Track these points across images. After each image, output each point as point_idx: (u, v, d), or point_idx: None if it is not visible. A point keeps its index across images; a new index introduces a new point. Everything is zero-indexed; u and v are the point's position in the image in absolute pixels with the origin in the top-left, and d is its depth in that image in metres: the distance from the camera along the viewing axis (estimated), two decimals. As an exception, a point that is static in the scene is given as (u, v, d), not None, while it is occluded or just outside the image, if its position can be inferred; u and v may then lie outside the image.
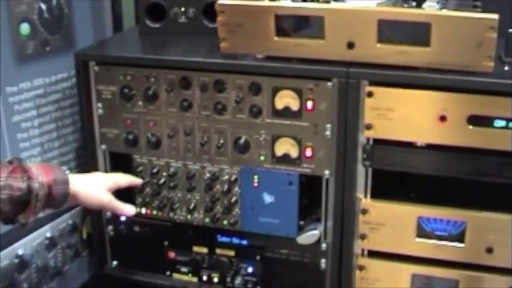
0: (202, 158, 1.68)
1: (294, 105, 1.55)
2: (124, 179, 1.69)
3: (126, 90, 1.66)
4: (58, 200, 1.47)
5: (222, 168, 1.68)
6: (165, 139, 1.69)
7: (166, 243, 1.80)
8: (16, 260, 1.73)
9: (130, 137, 1.70)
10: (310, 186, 1.66)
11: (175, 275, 1.83)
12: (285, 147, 1.60)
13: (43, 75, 1.74)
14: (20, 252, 1.73)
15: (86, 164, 1.80)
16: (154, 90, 1.64)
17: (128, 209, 1.63)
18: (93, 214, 1.84)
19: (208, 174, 1.69)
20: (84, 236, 1.92)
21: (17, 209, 1.42)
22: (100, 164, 1.77)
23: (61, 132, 1.81)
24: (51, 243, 1.82)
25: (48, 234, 1.81)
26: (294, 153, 1.59)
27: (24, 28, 1.68)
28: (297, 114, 1.56)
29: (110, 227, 1.84)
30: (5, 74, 1.65)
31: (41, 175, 1.43)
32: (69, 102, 1.82)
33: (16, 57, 1.68)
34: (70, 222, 1.86)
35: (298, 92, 1.54)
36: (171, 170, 1.72)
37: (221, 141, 1.63)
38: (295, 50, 1.52)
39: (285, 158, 1.60)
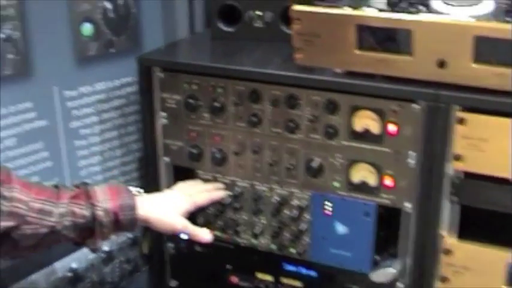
0: (270, 179, 1.58)
1: (375, 128, 1.42)
2: (203, 198, 1.60)
3: (191, 101, 1.58)
4: (126, 225, 1.42)
5: (292, 191, 1.56)
6: (231, 156, 1.59)
7: (229, 266, 1.71)
8: (70, 274, 1.69)
9: (195, 150, 1.62)
10: (388, 218, 1.53)
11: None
12: (363, 173, 1.47)
13: (106, 79, 1.69)
14: (75, 265, 1.70)
15: (147, 175, 1.72)
16: (222, 102, 1.55)
17: (204, 235, 1.54)
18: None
19: (276, 197, 1.58)
20: (145, 250, 1.86)
21: (83, 235, 1.39)
22: (162, 177, 1.70)
23: (124, 141, 1.76)
24: (109, 257, 1.78)
25: (106, 248, 1.76)
26: (372, 181, 1.46)
27: (87, 28, 1.62)
28: (377, 138, 1.42)
29: (171, 245, 1.76)
30: (64, 77, 1.60)
31: (106, 201, 1.38)
32: (134, 109, 1.75)
33: (77, 59, 1.62)
34: (130, 235, 1.81)
35: (380, 114, 1.41)
36: (237, 189, 1.62)
37: (292, 163, 1.52)
38: (379, 65, 1.39)
39: (362, 186, 1.47)
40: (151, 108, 1.64)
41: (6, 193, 1.27)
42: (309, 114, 1.47)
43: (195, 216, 1.67)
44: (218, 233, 1.67)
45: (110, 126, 1.72)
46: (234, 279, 1.71)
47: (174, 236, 1.71)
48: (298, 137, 1.50)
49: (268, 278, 1.67)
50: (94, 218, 1.36)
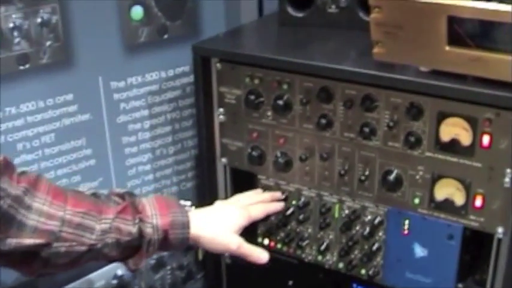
0: (341, 191, 1.41)
1: (465, 139, 1.23)
2: (259, 211, 1.44)
3: (252, 97, 1.42)
4: (175, 245, 1.29)
5: (365, 206, 1.39)
6: (296, 161, 1.43)
7: (290, 283, 1.55)
8: (114, 281, 1.58)
9: (255, 153, 1.46)
10: (474, 239, 1.35)
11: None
12: (448, 190, 1.28)
13: (158, 69, 1.54)
14: (120, 272, 1.58)
15: (203, 177, 1.57)
16: (287, 99, 1.38)
17: (259, 256, 1.37)
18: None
19: (347, 211, 1.42)
20: (200, 256, 1.69)
21: (126, 253, 1.25)
22: (219, 180, 1.56)
23: (178, 137, 1.62)
24: (159, 263, 1.65)
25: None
26: (459, 199, 1.27)
27: (137, 12, 1.47)
28: (467, 151, 1.23)
29: (227, 253, 1.64)
30: (110, 66, 1.47)
31: (156, 216, 1.25)
32: (190, 102, 1.61)
33: (125, 47, 1.48)
34: None
35: (472, 122, 1.22)
36: (302, 199, 1.46)
37: (366, 173, 1.35)
38: (473, 65, 1.20)
39: (447, 205, 1.29)
40: (207, 103, 1.49)
41: (30, 202, 1.13)
42: (387, 118, 1.29)
43: (255, 225, 1.53)
44: (280, 246, 1.52)
45: (162, 120, 1.58)
46: (288, 294, 1.60)
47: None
48: (374, 144, 1.32)
49: (337, 299, 1.55)
50: (141, 235, 1.23)
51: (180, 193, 1.67)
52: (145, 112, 1.55)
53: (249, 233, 1.48)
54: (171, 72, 1.56)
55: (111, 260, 1.28)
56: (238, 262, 1.57)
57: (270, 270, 1.55)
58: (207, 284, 1.73)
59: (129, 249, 1.24)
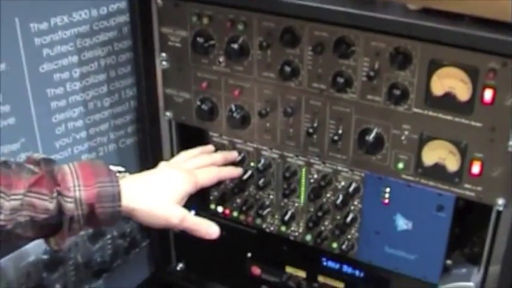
0: (308, 151, 1.12)
1: (462, 93, 0.95)
2: (210, 176, 1.15)
3: (201, 39, 1.10)
4: (104, 220, 1.00)
5: (338, 170, 1.12)
6: (255, 116, 1.14)
7: (249, 255, 1.27)
8: (45, 256, 1.27)
9: (205, 106, 1.16)
10: (465, 209, 1.10)
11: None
12: (440, 154, 1.01)
13: (88, 6, 1.19)
14: (51, 245, 1.33)
15: (145, 133, 1.27)
16: (243, 42, 1.08)
17: (208, 230, 1.07)
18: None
19: (315, 176, 1.14)
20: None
21: (45, 232, 0.97)
22: (164, 137, 1.26)
23: (114, 86, 1.28)
24: (97, 232, 1.33)
25: (94, 221, 1.39)
26: (452, 165, 1.00)
27: None
28: (465, 108, 0.96)
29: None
30: (29, 5, 1.11)
31: (79, 188, 0.96)
32: (128, 44, 1.26)
33: (47, -21, 1.17)
34: None
35: (472, 73, 0.93)
36: (262, 160, 1.18)
37: (339, 132, 1.07)
38: (471, 3, 0.97)
39: (437, 171, 1.02)
40: (147, 47, 1.17)
41: None
42: (366, 67, 1.00)
43: (206, 190, 1.24)
44: (236, 214, 1.25)
45: (95, 68, 1.23)
46: (256, 270, 1.27)
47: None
48: (350, 97, 1.04)
49: (301, 273, 1.23)
50: (61, 211, 0.94)
51: (119, 152, 1.35)
52: (74, 58, 1.20)
53: (200, 198, 1.21)
54: (103, 10, 1.21)
55: (28, 240, 1.02)
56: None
57: (225, 240, 1.26)
58: (153, 253, 1.44)
59: (48, 227, 0.96)
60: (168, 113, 1.23)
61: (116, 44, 1.27)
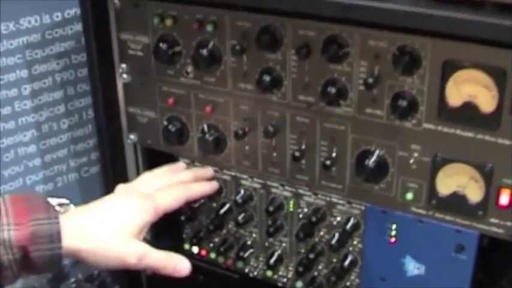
0: (296, 180, 0.89)
1: (486, 102, 0.72)
2: (173, 197, 0.90)
3: (164, 45, 0.87)
4: (41, 265, 0.78)
5: (332, 202, 0.88)
6: (231, 138, 0.90)
7: (231, 305, 1.09)
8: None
9: (173, 127, 0.93)
10: (491, 252, 0.86)
11: None
12: (458, 181, 0.77)
13: (38, 11, 0.98)
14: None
15: (105, 160, 1.02)
16: (214, 47, 0.85)
17: (177, 265, 0.84)
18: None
19: (306, 209, 0.90)
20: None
21: None
22: (129, 164, 1.02)
23: (73, 105, 1.06)
24: (59, 273, 1.10)
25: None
26: (474, 194, 0.76)
27: None
28: (489, 121, 0.72)
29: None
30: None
31: (8, 227, 0.75)
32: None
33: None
34: None
35: (498, 76, 0.70)
36: (242, 191, 0.94)
37: (333, 155, 0.83)
38: None
39: (456, 202, 0.78)
40: (104, 57, 0.94)
41: None
42: (364, 72, 0.77)
43: (179, 228, 1.03)
44: (213, 255, 1.00)
45: (49, 84, 1.03)
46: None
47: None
48: (345, 111, 0.80)
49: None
50: None
51: (81, 182, 1.13)
52: (24, 73, 1.00)
53: (172, 237, 1.00)
54: (57, 16, 1.00)
55: None
56: (160, 277, 1.11)
57: (202, 286, 1.08)
58: None
59: None
60: (132, 136, 0.99)
61: (73, 56, 1.05)
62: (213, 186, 0.96)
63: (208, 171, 0.96)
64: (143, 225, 0.85)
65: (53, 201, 0.82)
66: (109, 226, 0.82)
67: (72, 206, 0.85)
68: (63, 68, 1.05)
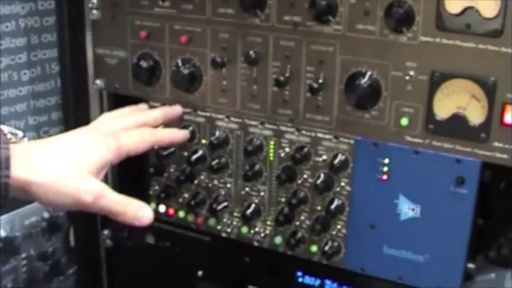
0: (278, 115, 0.81)
1: (486, 7, 0.66)
2: (138, 138, 0.80)
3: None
4: None
5: (318, 138, 0.80)
6: (207, 72, 0.83)
7: (200, 273, 0.93)
8: None
9: (145, 63, 0.85)
10: (492, 191, 0.80)
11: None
12: (458, 101, 0.71)
13: None
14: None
15: (67, 111, 0.96)
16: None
17: (137, 213, 0.75)
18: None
19: (288, 149, 0.82)
20: (72, 242, 1.08)
21: None
22: (93, 113, 0.94)
23: (36, 56, 0.97)
24: (9, 247, 0.98)
25: (2, 233, 0.99)
26: (475, 115, 0.70)
27: None
28: (491, 29, 0.66)
29: (106, 232, 1.00)
30: None
31: None
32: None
33: None
34: (46, 215, 1.00)
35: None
36: (217, 133, 0.86)
37: (320, 81, 0.76)
38: None
39: (456, 125, 0.71)
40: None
41: None
42: (355, -17, 0.75)
43: (145, 183, 0.93)
44: (182, 214, 0.91)
45: (13, 29, 0.92)
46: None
47: (107, 219, 0.91)
48: (334, 29, 0.74)
49: (270, 295, 0.94)
50: None
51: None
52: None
53: (136, 194, 0.91)
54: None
55: None
56: (122, 245, 1.01)
57: (169, 253, 0.95)
58: (81, 281, 1.11)
59: None
60: (98, 81, 0.91)
61: (40, 3, 1.01)
62: (183, 133, 0.87)
63: (177, 108, 0.87)
64: (103, 163, 0.75)
65: (5, 128, 0.74)
66: (64, 159, 0.73)
67: (26, 139, 0.77)
68: (28, 14, 0.98)
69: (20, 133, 0.77)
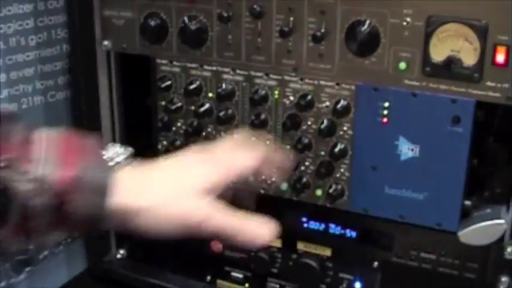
0: (282, 65, 0.87)
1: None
2: (248, 158, 0.75)
3: None
4: (80, 222, 0.66)
5: (321, 85, 0.86)
6: (214, 26, 0.89)
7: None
8: None
9: (152, 21, 0.91)
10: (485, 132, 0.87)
11: (221, 283, 1.04)
12: (452, 44, 0.77)
13: None
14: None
15: (76, 74, 1.00)
16: None
17: (256, 231, 0.71)
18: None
19: (292, 97, 0.88)
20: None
21: None
22: (101, 77, 0.99)
23: (42, 21, 1.01)
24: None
25: None
26: (468, 57, 0.76)
27: None
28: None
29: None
30: None
31: (48, 161, 0.64)
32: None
33: None
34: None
35: None
36: (223, 86, 0.91)
37: (322, 30, 0.82)
38: None
39: (451, 67, 0.78)
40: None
41: None
42: None
43: (150, 134, 0.98)
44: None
45: None
46: (216, 246, 0.99)
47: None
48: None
49: (275, 242, 0.94)
50: (6, 193, 0.61)
51: (46, 106, 1.08)
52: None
53: (146, 149, 0.91)
54: None
55: None
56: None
57: None
58: (88, 245, 1.12)
59: None
60: (106, 42, 0.97)
61: None
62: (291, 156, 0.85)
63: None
64: (209, 186, 0.70)
65: (112, 147, 0.71)
66: (170, 181, 0.70)
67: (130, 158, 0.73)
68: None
69: (128, 150, 0.72)
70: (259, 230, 0.71)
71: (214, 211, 0.70)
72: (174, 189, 0.71)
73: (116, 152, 0.72)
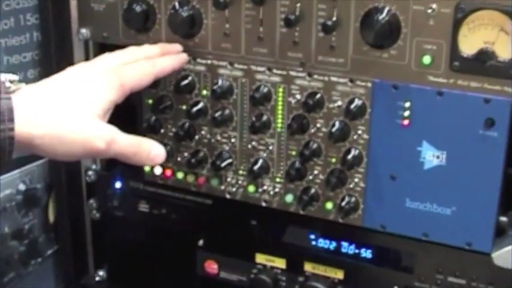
0: (288, 59, 0.88)
1: None
2: (140, 72, 0.87)
3: None
4: None
5: (332, 82, 0.87)
6: (209, 13, 0.90)
7: (201, 242, 1.01)
8: None
9: (138, 6, 0.92)
10: None
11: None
12: (485, 35, 0.78)
13: None
14: None
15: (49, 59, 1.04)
16: None
17: (152, 151, 0.85)
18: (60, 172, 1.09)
19: (299, 96, 0.89)
20: (52, 218, 1.15)
21: None
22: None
23: (9, 5, 1.01)
24: None
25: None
26: (504, 50, 0.78)
27: None
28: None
29: (92, 202, 1.08)
30: None
31: None
32: None
33: None
34: (21, 187, 1.08)
35: None
36: (219, 82, 0.92)
37: (333, 19, 0.83)
38: None
39: (483, 62, 0.78)
40: None
41: None
42: None
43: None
44: (181, 175, 0.98)
45: None
46: (212, 266, 1.00)
47: (98, 184, 1.04)
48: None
49: (280, 264, 0.96)
50: None
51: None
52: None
53: None
54: None
55: None
56: (110, 215, 1.06)
57: (166, 221, 1.01)
58: (65, 264, 1.17)
59: None
60: (83, 30, 0.99)
61: None
62: (182, 57, 0.93)
63: (176, 45, 0.94)
64: (109, 104, 0.83)
65: (2, 76, 0.78)
66: (71, 105, 0.79)
67: (23, 84, 0.81)
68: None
69: (15, 77, 0.80)
70: (155, 149, 0.85)
71: (114, 136, 0.82)
72: (72, 114, 0.80)
73: (8, 77, 0.80)
